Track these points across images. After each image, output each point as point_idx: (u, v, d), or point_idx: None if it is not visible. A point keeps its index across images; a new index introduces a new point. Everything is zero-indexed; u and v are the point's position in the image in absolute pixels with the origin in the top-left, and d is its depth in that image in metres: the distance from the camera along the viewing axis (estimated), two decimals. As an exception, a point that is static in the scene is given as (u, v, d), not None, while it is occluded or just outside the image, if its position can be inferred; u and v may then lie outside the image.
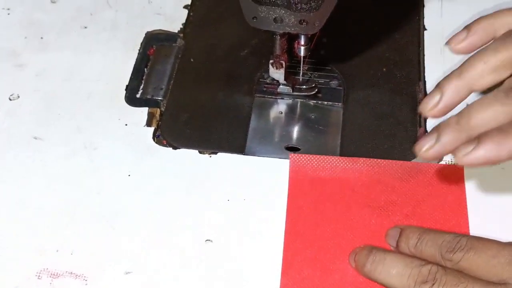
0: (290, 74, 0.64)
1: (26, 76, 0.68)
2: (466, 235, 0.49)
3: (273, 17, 0.56)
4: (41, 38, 0.71)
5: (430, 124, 0.63)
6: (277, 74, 0.63)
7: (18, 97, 0.65)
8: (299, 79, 0.65)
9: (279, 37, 0.60)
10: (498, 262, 0.44)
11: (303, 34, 0.59)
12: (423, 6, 0.73)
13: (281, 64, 0.61)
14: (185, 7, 0.75)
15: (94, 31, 0.72)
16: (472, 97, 0.48)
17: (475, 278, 0.45)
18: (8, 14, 0.74)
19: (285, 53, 0.61)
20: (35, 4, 0.75)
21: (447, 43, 0.50)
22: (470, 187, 0.57)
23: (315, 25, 0.56)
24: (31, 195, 0.58)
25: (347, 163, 0.59)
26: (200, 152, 0.61)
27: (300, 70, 0.64)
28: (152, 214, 0.57)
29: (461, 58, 0.52)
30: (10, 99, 0.65)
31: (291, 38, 0.61)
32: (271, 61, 0.61)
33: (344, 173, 0.58)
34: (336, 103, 0.65)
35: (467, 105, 0.46)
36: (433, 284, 0.45)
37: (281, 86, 0.65)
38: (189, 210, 0.57)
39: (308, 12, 0.55)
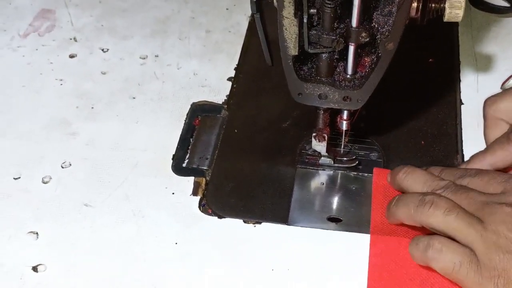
0: (331, 146, 0.66)
1: (77, 144, 0.71)
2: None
3: (318, 93, 0.59)
4: (92, 108, 0.75)
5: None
6: (319, 146, 0.65)
7: (70, 165, 0.68)
8: (340, 151, 0.67)
9: (322, 112, 0.62)
10: (495, 181, 0.57)
11: (346, 110, 0.62)
12: (460, 81, 0.76)
13: (324, 137, 0.64)
14: (229, 79, 0.78)
15: (142, 101, 0.75)
16: None
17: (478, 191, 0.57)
18: (61, 84, 0.78)
19: (327, 126, 0.63)
20: (86, 75, 0.79)
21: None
22: None
23: (358, 102, 0.59)
24: (81, 260, 0.60)
25: None
26: (244, 222, 0.63)
27: (341, 142, 0.66)
28: (197, 282, 0.58)
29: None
30: (62, 167, 0.68)
31: (334, 112, 0.63)
32: (313, 134, 0.64)
33: None
34: (377, 175, 0.67)
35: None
36: (446, 189, 0.57)
37: (322, 158, 0.67)
38: (234, 278, 0.58)
39: (351, 89, 0.58)
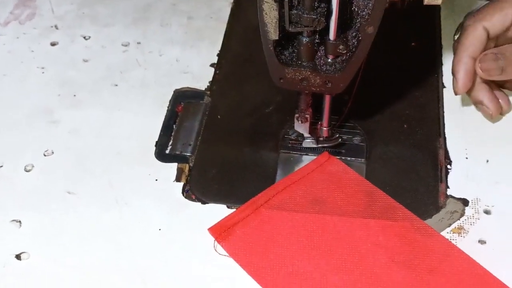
0: (314, 129, 0.66)
1: (59, 132, 0.70)
2: None
3: (299, 78, 0.59)
4: (74, 95, 0.74)
5: (451, 179, 0.64)
6: (302, 127, 0.65)
7: (53, 153, 0.68)
8: (322, 130, 0.67)
9: (304, 93, 0.62)
10: None
11: (328, 94, 0.62)
12: (442, 64, 0.76)
13: (306, 118, 0.64)
14: (211, 65, 0.78)
15: (124, 89, 0.75)
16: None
17: None
18: (43, 72, 0.77)
19: (309, 107, 0.64)
20: (68, 63, 0.78)
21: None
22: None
23: (340, 86, 0.59)
24: (64, 248, 0.60)
25: None
26: (228, 207, 0.63)
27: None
28: (181, 268, 0.58)
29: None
30: (44, 155, 0.68)
31: (316, 94, 0.63)
32: (296, 115, 0.64)
33: None
34: (359, 159, 0.67)
35: None
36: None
37: (305, 140, 0.67)
38: (218, 263, 0.58)
39: (333, 73, 0.58)
